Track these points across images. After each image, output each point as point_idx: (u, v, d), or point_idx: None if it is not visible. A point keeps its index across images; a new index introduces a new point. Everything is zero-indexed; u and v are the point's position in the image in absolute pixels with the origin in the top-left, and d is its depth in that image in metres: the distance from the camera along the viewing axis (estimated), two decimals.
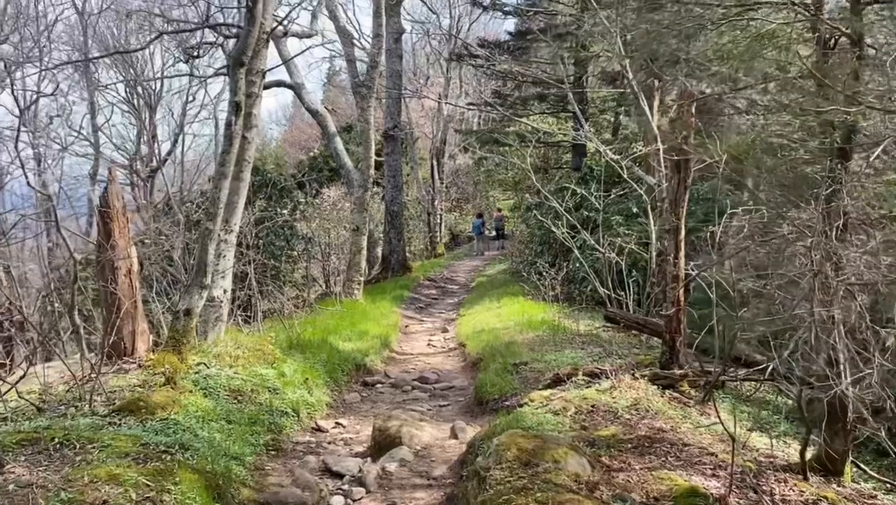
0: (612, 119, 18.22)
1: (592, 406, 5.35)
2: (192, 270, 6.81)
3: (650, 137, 14.03)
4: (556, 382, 6.44)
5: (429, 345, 11.65)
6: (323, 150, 40.16)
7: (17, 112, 17.00)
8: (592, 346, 9.34)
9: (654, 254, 11.64)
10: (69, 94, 20.80)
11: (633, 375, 6.14)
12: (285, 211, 13.89)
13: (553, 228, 12.33)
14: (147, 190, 26.69)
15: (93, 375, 5.08)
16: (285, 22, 19.38)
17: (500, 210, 28.24)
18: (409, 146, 29.29)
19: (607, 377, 6.10)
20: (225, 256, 8.50)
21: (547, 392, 5.99)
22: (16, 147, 8.26)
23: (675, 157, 6.40)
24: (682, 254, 6.48)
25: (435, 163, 28.15)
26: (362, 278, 14.37)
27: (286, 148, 53.60)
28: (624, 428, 4.90)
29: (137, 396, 5.00)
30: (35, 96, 17.70)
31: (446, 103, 23.87)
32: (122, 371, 6.27)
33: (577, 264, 14.18)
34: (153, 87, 28.58)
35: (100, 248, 6.69)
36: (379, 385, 8.34)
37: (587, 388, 6.03)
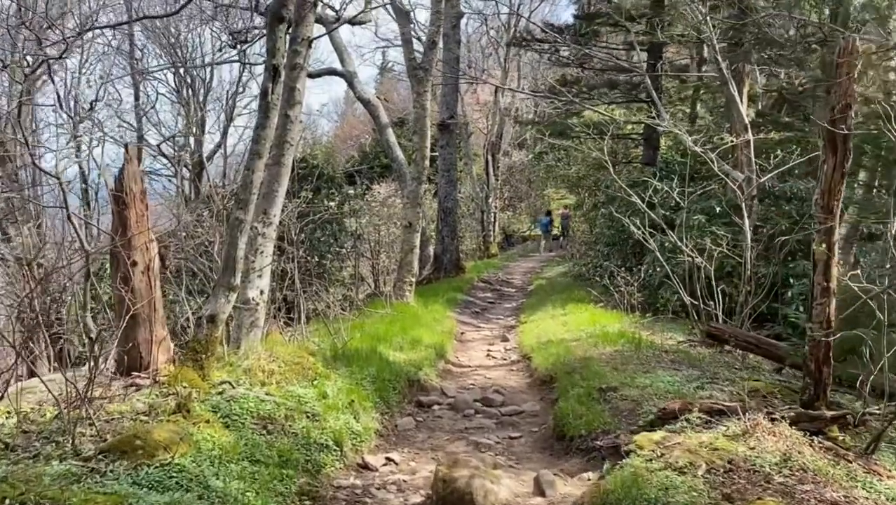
0: (689, 110, 16.69)
1: (729, 462, 4.01)
2: (221, 267, 5.69)
3: (739, 127, 12.50)
4: (664, 418, 5.11)
5: (488, 356, 10.39)
6: (374, 145, 39.26)
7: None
8: (685, 366, 7.95)
9: (748, 258, 10.16)
10: (114, 81, 20.12)
11: (768, 415, 4.76)
12: (332, 204, 12.76)
13: (633, 227, 10.89)
14: (193, 182, 26.11)
15: (82, 400, 3.96)
16: (338, 6, 18.39)
17: (566, 207, 26.78)
18: (463, 140, 28.08)
19: (735, 417, 4.74)
20: (262, 252, 7.40)
21: (656, 435, 4.66)
22: (18, 124, 7.28)
23: (830, 133, 4.99)
24: (834, 260, 5.07)
25: (490, 158, 26.86)
26: (414, 279, 13.21)
27: (337, 143, 53.02)
28: (785, 500, 3.56)
29: (135, 430, 3.86)
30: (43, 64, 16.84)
31: (507, 89, 22.52)
32: (134, 387, 5.19)
33: (654, 269, 12.74)
34: (203, 77, 28.03)
35: (113, 239, 5.63)
36: (436, 406, 7.11)
37: (709, 430, 4.68)
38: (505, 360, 10.17)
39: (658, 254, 10.77)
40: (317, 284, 14.04)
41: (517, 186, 34.65)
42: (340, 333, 9.14)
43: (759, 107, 15.84)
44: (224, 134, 29.38)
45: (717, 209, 13.58)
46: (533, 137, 36.87)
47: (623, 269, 13.65)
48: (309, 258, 14.59)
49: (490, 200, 26.77)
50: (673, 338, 10.24)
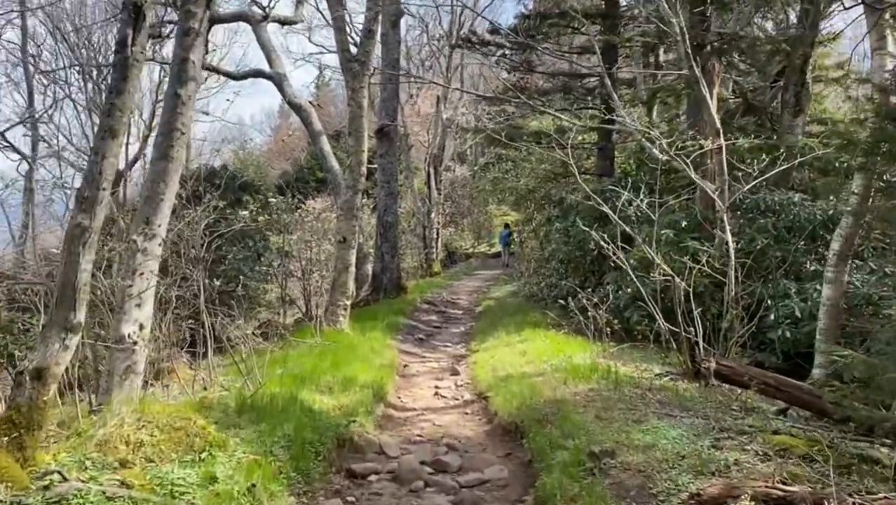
0: (645, 116, 15.56)
1: None
2: (54, 299, 3.90)
3: (711, 132, 11.30)
4: None
5: (436, 394, 8.76)
6: (309, 158, 37.32)
7: None
8: (678, 410, 6.52)
9: (732, 277, 8.88)
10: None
11: None
12: (246, 213, 10.91)
13: (601, 242, 9.49)
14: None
15: None
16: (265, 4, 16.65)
17: (514, 224, 25.43)
18: (403, 153, 26.52)
19: None
20: (143, 273, 5.64)
21: None
22: None
23: None
24: None
25: (432, 171, 25.36)
26: (349, 302, 11.50)
27: (270, 158, 50.77)
28: None
29: None
30: None
31: (454, 89, 21.02)
32: None
33: (622, 288, 11.38)
34: None
35: None
36: (373, 476, 5.41)
37: None
38: (457, 399, 8.56)
39: (630, 272, 9.37)
40: (236, 309, 12.20)
41: (459, 202, 33.25)
42: (254, 371, 7.37)
43: (722, 114, 14.82)
44: (144, 143, 27.08)
45: (684, 223, 12.38)
46: (474, 151, 35.66)
47: (583, 288, 12.29)
48: (225, 279, 12.70)
49: (432, 216, 25.22)
50: (649, 370, 8.86)
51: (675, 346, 8.74)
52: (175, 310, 8.71)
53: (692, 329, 8.56)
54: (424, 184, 26.97)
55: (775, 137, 13.02)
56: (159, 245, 5.73)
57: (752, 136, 12.94)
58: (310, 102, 17.38)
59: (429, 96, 28.45)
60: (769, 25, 15.71)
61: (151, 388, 7.85)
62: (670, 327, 8.87)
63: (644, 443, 5.00)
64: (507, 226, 25.78)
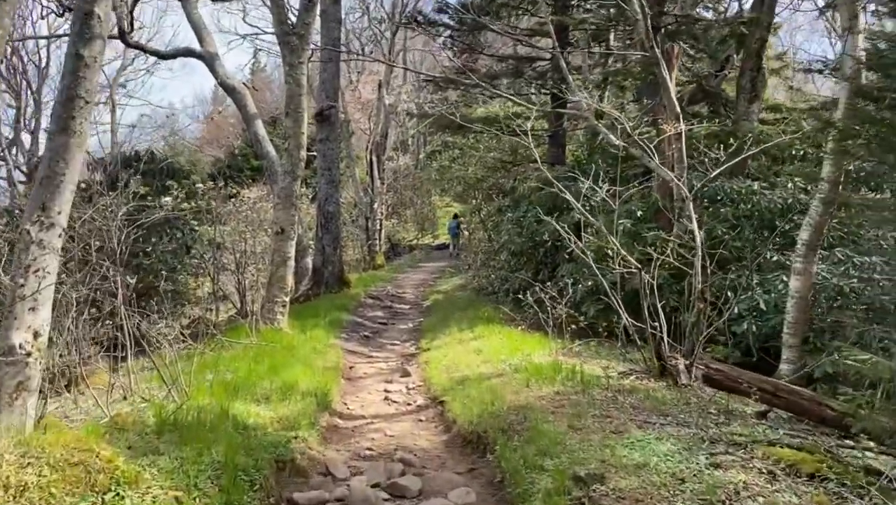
0: (597, 99, 15.06)
1: None
2: None
3: (670, 116, 10.85)
4: None
5: (386, 399, 8.00)
6: (244, 146, 35.74)
7: None
8: (655, 415, 5.96)
9: (699, 269, 8.40)
10: None
11: None
12: (168, 200, 9.87)
13: (562, 231, 8.89)
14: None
15: None
16: None
17: (458, 215, 24.74)
18: (344, 140, 25.52)
19: None
20: (38, 271, 4.71)
21: None
22: None
23: None
24: None
25: (374, 160, 24.44)
26: (288, 298, 10.60)
27: (204, 147, 48.81)
28: None
29: None
30: None
31: (397, 67, 20.10)
32: None
33: (581, 280, 10.83)
34: (36, 61, 23.89)
35: None
36: None
37: None
38: (409, 404, 7.82)
39: (591, 263, 8.79)
40: (164, 306, 11.16)
41: (402, 193, 32.42)
42: (179, 380, 6.47)
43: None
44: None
45: (640, 213, 11.94)
46: (417, 141, 34.86)
47: (536, 281, 11.72)
48: (150, 273, 11.62)
49: (375, 206, 24.32)
50: (612, 368, 8.32)
51: (638, 341, 8.23)
52: (91, 309, 7.72)
53: (657, 324, 8.07)
54: (367, 173, 26.03)
55: (730, 124, 12.71)
56: (59, 237, 4.79)
57: (707, 122, 12.63)
58: (244, 84, 16.27)
59: (370, 82, 27.48)
60: (709, 15, 15.46)
61: (59, 401, 6.87)
62: (633, 322, 8.37)
63: (634, 462, 4.38)
64: (455, 216, 25.11)
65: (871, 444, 4.79)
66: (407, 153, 34.97)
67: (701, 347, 8.09)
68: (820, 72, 17.74)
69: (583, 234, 10.80)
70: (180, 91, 55.31)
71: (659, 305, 8.08)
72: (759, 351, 9.26)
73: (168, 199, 9.07)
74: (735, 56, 14.46)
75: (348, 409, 7.60)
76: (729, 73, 15.13)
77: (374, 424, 7.07)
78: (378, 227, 24.63)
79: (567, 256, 11.91)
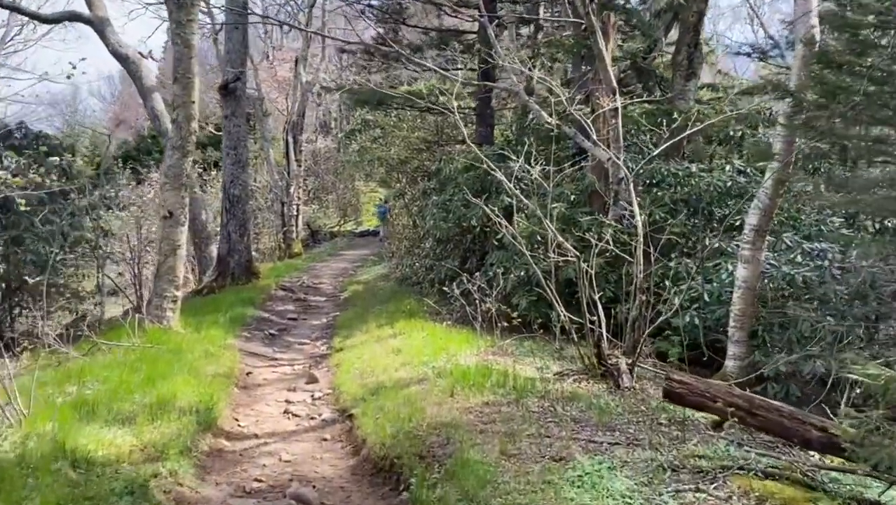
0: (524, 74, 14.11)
1: None
2: None
3: (606, 90, 9.99)
4: None
5: (287, 413, 6.81)
6: (153, 128, 33.35)
7: None
8: (602, 431, 5.04)
9: (640, 257, 7.54)
10: None
11: None
12: (35, 175, 8.30)
13: (493, 216, 7.90)
14: None
15: None
16: None
17: (384, 200, 23.43)
18: (258, 119, 23.85)
19: None
20: None
21: None
22: None
23: None
24: None
25: (291, 140, 22.87)
26: (179, 293, 9.21)
27: (111, 129, 45.72)
28: None
29: None
30: None
31: (310, 31, 18.55)
32: None
33: (512, 270, 9.85)
34: None
35: None
36: None
37: None
38: (313, 418, 6.65)
39: (524, 250, 7.81)
40: (35, 304, 9.63)
41: (323, 177, 30.85)
42: (14, 402, 5.12)
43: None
44: None
45: (573, 196, 11.07)
46: (340, 122, 33.33)
47: (463, 270, 10.73)
48: (25, 264, 10.02)
49: (292, 190, 22.78)
50: (547, 368, 7.41)
51: (575, 338, 7.34)
52: None
53: (596, 318, 7.19)
54: (283, 156, 24.44)
55: (666, 103, 11.99)
56: None
57: (643, 99, 11.89)
58: (139, 53, 14.55)
59: (287, 59, 25.83)
60: None
61: None
62: (570, 316, 7.48)
63: None
64: (386, 200, 23.82)
65: (858, 467, 3.98)
66: (329, 135, 33.41)
67: (644, 343, 7.28)
68: (748, 55, 17.45)
69: (514, 218, 9.84)
70: (76, 66, 51.37)
71: (597, 297, 7.23)
72: (703, 346, 8.52)
73: (4, 172, 7.38)
74: (666, 35, 13.82)
75: (239, 426, 6.38)
76: (660, 54, 14.51)
77: (268, 446, 5.89)
78: (295, 212, 23.11)
79: (497, 243, 10.95)
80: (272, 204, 23.47)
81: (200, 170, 21.66)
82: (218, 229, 15.45)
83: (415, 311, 10.41)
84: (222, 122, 14.65)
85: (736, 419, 4.07)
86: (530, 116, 14.72)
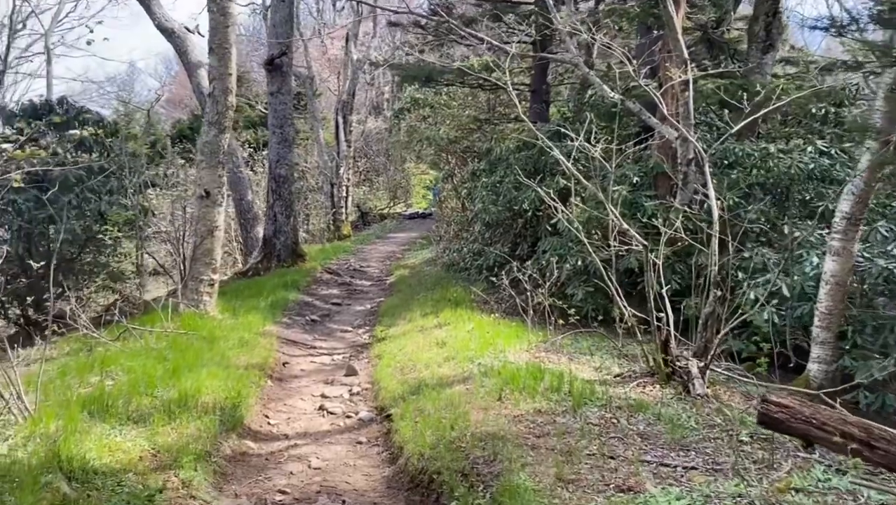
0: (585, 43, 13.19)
1: None
2: None
3: (677, 62, 9.10)
4: None
5: (321, 409, 6.29)
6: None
7: None
8: (675, 450, 4.34)
9: (715, 247, 6.72)
10: None
11: None
12: (63, 151, 7.89)
13: (548, 199, 7.20)
14: None
15: None
16: None
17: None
18: (308, 99, 23.45)
19: None
20: None
21: None
22: None
23: None
24: None
25: (341, 120, 22.43)
26: (216, 277, 8.79)
27: (168, 108, 46.24)
28: None
29: None
30: None
31: (361, 1, 17.87)
32: None
33: (567, 258, 9.11)
34: None
35: None
36: None
37: None
38: (349, 417, 6.11)
39: (584, 239, 7.08)
40: (72, 284, 9.35)
41: (374, 159, 30.41)
42: (19, 398, 4.69)
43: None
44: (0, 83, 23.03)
45: (636, 179, 10.22)
46: (392, 104, 32.77)
47: (513, 257, 10.04)
48: (64, 242, 9.76)
49: (341, 171, 22.36)
50: (606, 368, 6.70)
51: (639, 335, 6.62)
52: None
53: (663, 315, 6.45)
54: (334, 137, 24.03)
55: (740, 77, 10.98)
56: None
57: (717, 71, 10.91)
58: (185, 28, 14.22)
59: (338, 36, 25.34)
60: None
61: None
62: (635, 312, 6.75)
63: None
64: (444, 179, 23.18)
65: None
66: (380, 116, 32.94)
67: (718, 344, 6.50)
68: (826, 29, 16.08)
69: (570, 202, 9.10)
70: (128, 43, 51.90)
71: (665, 290, 6.49)
72: (781, 346, 7.64)
73: (6, 145, 6.96)
74: (735, 8, 12.74)
75: (269, 424, 5.88)
76: (727, 30, 13.43)
77: (298, 449, 5.37)
78: (344, 193, 22.71)
79: (550, 229, 10.22)
80: (322, 185, 23.11)
81: (251, 149, 21.44)
82: (259, 210, 15.10)
83: (461, 299, 9.79)
84: (268, 98, 14.23)
85: (851, 454, 3.30)
86: (589, 93, 13.85)
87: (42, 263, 7.67)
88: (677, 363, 6.37)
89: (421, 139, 15.29)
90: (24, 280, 9.89)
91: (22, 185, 5.42)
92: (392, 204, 30.31)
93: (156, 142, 24.66)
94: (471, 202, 13.23)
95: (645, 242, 6.38)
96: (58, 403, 5.01)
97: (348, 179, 23.03)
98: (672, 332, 6.37)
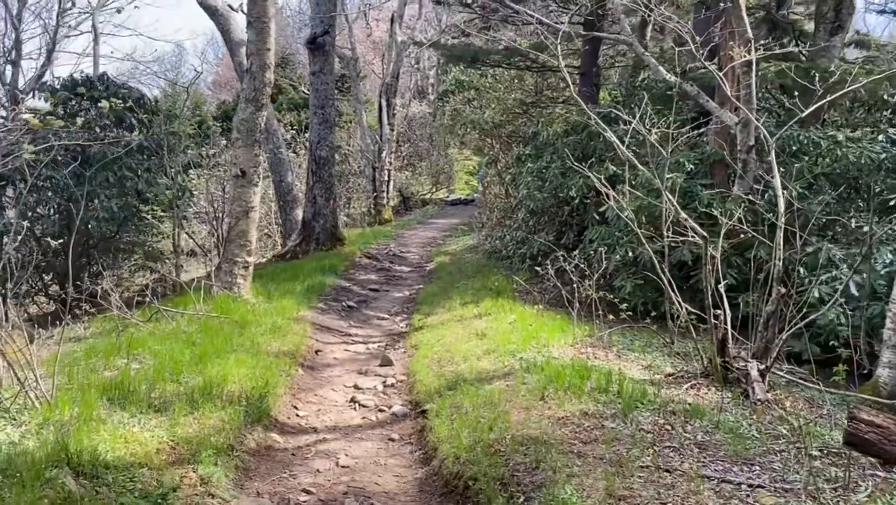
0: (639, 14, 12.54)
1: None
2: None
3: (740, 42, 8.50)
4: None
5: (353, 401, 5.99)
6: None
7: None
8: (738, 465, 3.91)
9: (780, 241, 6.20)
10: None
11: None
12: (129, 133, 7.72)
13: (601, 185, 6.75)
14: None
15: None
16: None
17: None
18: (352, 81, 23.20)
19: None
20: None
21: None
22: None
23: None
24: None
25: (384, 103, 22.10)
26: (250, 259, 8.56)
27: (214, 90, 46.78)
28: None
29: None
30: None
31: None
32: None
33: (616, 248, 8.64)
34: None
35: None
36: None
37: None
38: (382, 411, 5.79)
39: (636, 228, 6.61)
40: (105, 263, 9.24)
41: (417, 143, 30.07)
42: (34, 383, 4.47)
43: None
44: (48, 59, 23.28)
45: (691, 166, 9.64)
46: (436, 85, 32.35)
47: (558, 245, 9.59)
48: (100, 221, 9.66)
49: (384, 155, 22.07)
50: (656, 366, 6.25)
51: (693, 333, 6.14)
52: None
53: (720, 312, 5.98)
54: (377, 120, 23.74)
55: (806, 60, 10.28)
56: None
57: (777, 57, 10.22)
58: (229, 6, 14.03)
59: (383, 18, 25.00)
60: None
61: None
62: (688, 308, 6.28)
63: None
64: (489, 164, 22.78)
65: None
66: (424, 101, 32.57)
67: (781, 346, 5.98)
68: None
69: (619, 190, 8.59)
70: (172, 24, 52.33)
71: (721, 286, 6.01)
72: (846, 348, 7.07)
73: (27, 116, 6.72)
74: None
75: (297, 415, 5.60)
76: (791, 10, 12.64)
77: (326, 444, 5.07)
78: (386, 178, 22.42)
79: (597, 217, 9.75)
80: (363, 169, 22.87)
81: (293, 131, 21.31)
82: (299, 193, 14.88)
83: (503, 289, 9.39)
84: (310, 78, 13.96)
85: None
86: (641, 76, 13.23)
87: (79, 242, 7.55)
88: (735, 364, 5.91)
89: (465, 122, 14.86)
90: (62, 258, 9.83)
91: (34, 155, 5.18)
92: (434, 189, 29.97)
93: (201, 123, 24.78)
94: (515, 188, 12.78)
95: (704, 234, 5.89)
96: (79, 386, 4.80)
97: (390, 163, 22.74)
98: (730, 330, 5.90)
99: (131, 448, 3.91)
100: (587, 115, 11.16)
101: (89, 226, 9.29)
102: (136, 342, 6.22)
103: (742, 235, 6.80)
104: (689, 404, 4.99)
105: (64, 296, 10.35)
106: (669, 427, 4.52)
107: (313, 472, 4.56)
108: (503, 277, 10.21)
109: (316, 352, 7.36)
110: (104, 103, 7.30)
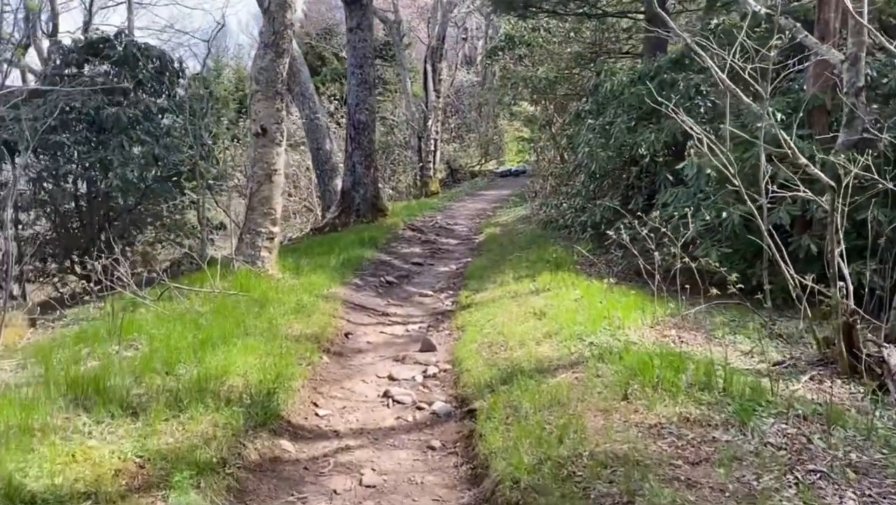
0: None
1: None
2: None
3: None
4: None
5: (385, 395, 4.92)
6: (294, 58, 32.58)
7: None
8: (884, 486, 2.67)
9: None
10: None
11: None
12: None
13: (692, 129, 5.49)
14: None
15: None
16: None
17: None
18: (396, 47, 22.05)
19: None
20: None
21: None
22: None
23: None
24: None
25: (430, 69, 20.89)
26: (276, 229, 7.57)
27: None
28: None
29: None
30: None
31: None
32: None
33: (688, 213, 7.33)
34: None
35: None
36: None
37: None
38: (421, 408, 4.71)
39: (740, 187, 5.32)
40: (123, 238, 8.41)
41: (465, 114, 28.77)
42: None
43: None
44: (85, 32, 22.72)
45: (781, 115, 8.20)
46: (484, 53, 30.96)
47: (626, 212, 8.33)
48: (120, 192, 8.82)
49: (429, 124, 20.90)
50: (755, 352, 5.01)
51: (808, 312, 4.88)
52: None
53: (843, 285, 4.72)
54: (423, 88, 22.56)
55: None
56: None
57: None
58: None
59: None
60: None
61: None
62: (801, 279, 5.00)
63: None
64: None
65: None
66: (472, 69, 31.19)
67: None
68: None
69: (695, 144, 7.27)
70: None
71: (837, 255, 4.76)
72: None
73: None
74: None
75: (316, 414, 4.56)
76: None
77: (349, 453, 4.02)
78: (433, 148, 21.26)
79: (671, 178, 8.46)
80: (409, 140, 21.76)
81: (336, 102, 20.35)
82: (338, 161, 13.88)
83: (563, 261, 8.21)
84: (347, 35, 12.88)
85: None
86: (714, 21, 11.72)
87: (96, 214, 6.72)
88: (868, 352, 4.65)
89: (516, 81, 13.56)
90: (79, 233, 9.07)
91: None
92: (483, 161, 28.69)
93: (244, 98, 24.03)
94: (572, 152, 11.51)
95: (833, 185, 4.59)
96: (48, 381, 3.87)
97: (437, 133, 21.56)
98: (853, 307, 4.64)
99: (78, 470, 2.92)
100: (656, 64, 9.80)
101: (109, 196, 8.49)
102: (134, 325, 5.30)
103: (869, 192, 5.46)
104: (820, 405, 3.78)
105: (86, 273, 9.61)
106: (805, 439, 3.32)
107: (329, 494, 3.52)
108: (562, 248, 9.03)
109: (346, 335, 6.32)
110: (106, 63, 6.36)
